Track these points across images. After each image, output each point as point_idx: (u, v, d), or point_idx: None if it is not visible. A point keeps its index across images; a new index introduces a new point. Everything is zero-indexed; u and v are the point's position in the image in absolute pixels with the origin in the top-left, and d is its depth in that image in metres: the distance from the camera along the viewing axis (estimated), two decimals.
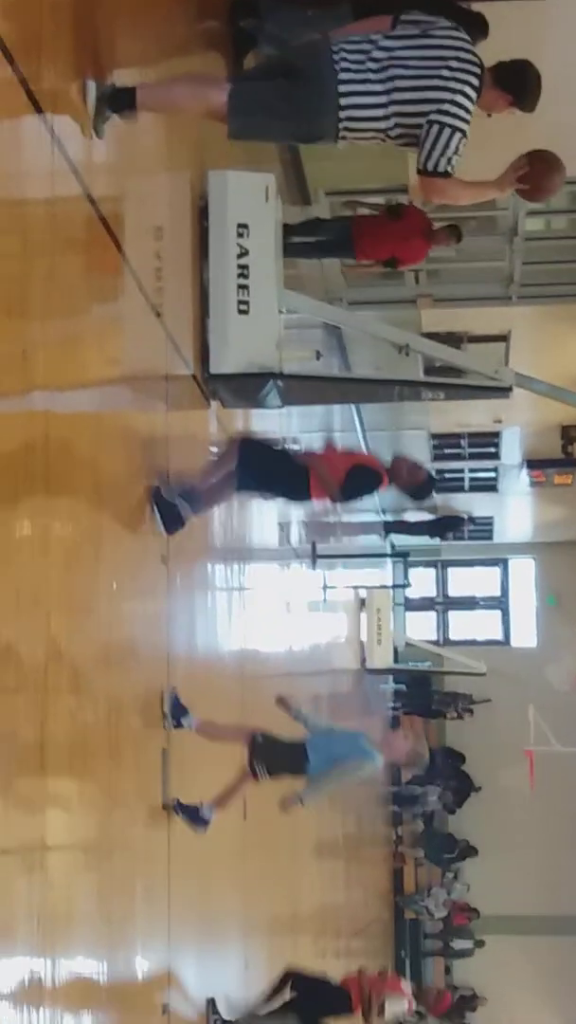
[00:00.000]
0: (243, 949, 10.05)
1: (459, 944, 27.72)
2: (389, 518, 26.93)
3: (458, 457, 22.69)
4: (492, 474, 23.74)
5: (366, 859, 22.36)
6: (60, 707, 5.33)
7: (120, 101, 5.98)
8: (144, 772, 6.91)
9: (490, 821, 27.53)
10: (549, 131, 11.34)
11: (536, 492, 23.59)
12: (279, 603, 13.40)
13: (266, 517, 12.23)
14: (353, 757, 7.89)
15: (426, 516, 26.37)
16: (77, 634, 5.64)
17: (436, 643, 29.67)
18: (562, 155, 11.74)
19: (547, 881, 27.18)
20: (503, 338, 15.88)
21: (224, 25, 8.61)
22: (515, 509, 26.50)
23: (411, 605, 30.34)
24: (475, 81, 6.12)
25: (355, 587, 22.95)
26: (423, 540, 27.08)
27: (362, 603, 23.86)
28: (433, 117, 6.06)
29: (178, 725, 7.38)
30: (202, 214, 8.71)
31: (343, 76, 6.01)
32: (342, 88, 6.01)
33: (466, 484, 24.29)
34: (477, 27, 7.74)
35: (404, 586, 28.28)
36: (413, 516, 26.59)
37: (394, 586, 26.77)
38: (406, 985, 10.08)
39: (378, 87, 6.03)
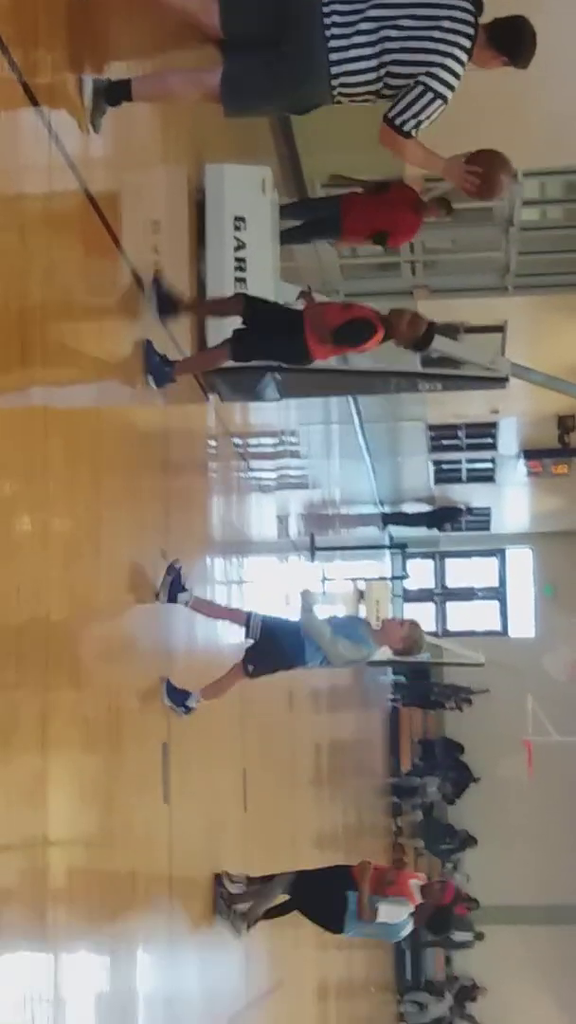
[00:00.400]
0: (244, 943, 10.05)
1: (459, 935, 27.74)
2: (387, 510, 26.96)
3: (455, 448, 22.73)
4: (489, 465, 23.77)
5: (366, 850, 22.34)
6: (61, 702, 5.33)
7: (116, 94, 6.00)
8: (145, 767, 6.91)
9: (489, 811, 27.56)
10: (545, 119, 11.39)
11: (533, 482, 23.61)
12: (278, 596, 13.39)
13: (265, 510, 12.23)
14: (350, 639, 7.92)
15: (424, 507, 26.42)
16: (78, 629, 5.64)
17: (435, 634, 29.69)
18: (559, 143, 11.83)
19: (546, 870, 27.23)
20: (499, 328, 15.88)
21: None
22: (512, 499, 26.53)
23: (409, 596, 30.36)
24: (467, 43, 5.98)
25: (354, 579, 22.96)
26: (421, 531, 27.11)
27: (361, 595, 23.86)
28: (422, 79, 5.95)
29: (188, 710, 7.42)
30: (199, 207, 8.71)
31: (333, 44, 5.88)
32: (333, 56, 5.90)
33: (463, 475, 24.32)
34: None
35: (402, 577, 28.31)
36: (411, 508, 26.64)
37: (392, 577, 26.80)
38: (415, 885, 9.88)
39: (368, 50, 5.92)
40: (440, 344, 10.09)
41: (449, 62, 5.96)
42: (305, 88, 6.10)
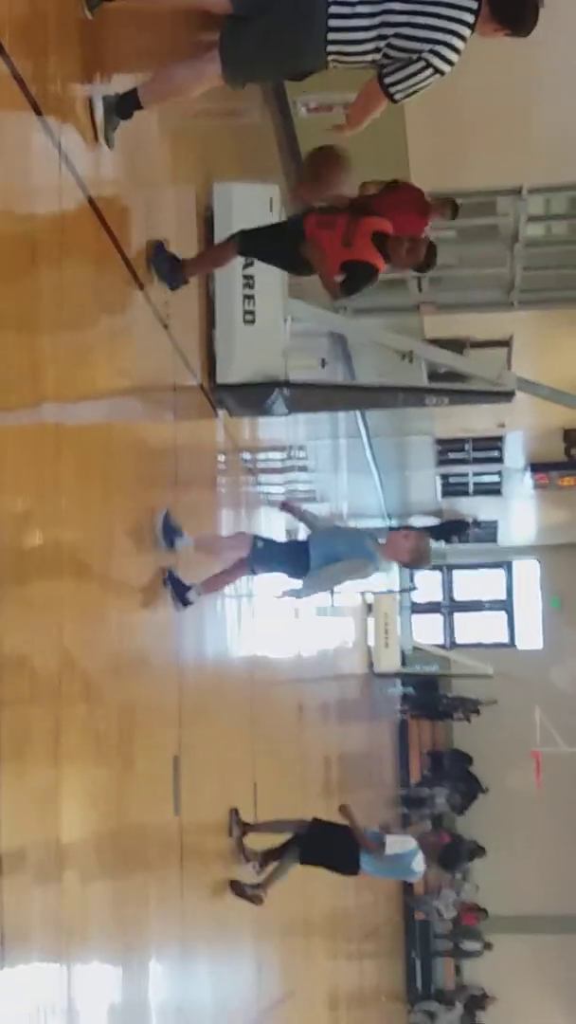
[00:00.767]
0: (256, 953, 10.12)
1: (469, 945, 27.75)
2: (395, 523, 26.99)
3: (462, 461, 22.77)
4: (496, 478, 23.80)
5: None
6: (73, 716, 5.39)
7: (126, 106, 6.12)
8: (156, 779, 6.97)
9: (498, 822, 27.55)
10: (549, 137, 11.47)
11: (540, 495, 23.64)
12: (287, 609, 13.46)
13: (274, 524, 12.29)
14: (354, 556, 7.89)
15: (431, 520, 26.44)
16: (89, 644, 5.70)
17: (443, 646, 29.73)
18: (563, 160, 11.91)
19: (555, 880, 27.22)
20: (505, 343, 15.95)
21: None
22: (519, 512, 26.55)
23: (417, 609, 30.36)
24: (470, 18, 5.93)
25: (362, 592, 23.00)
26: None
27: (369, 608, 23.91)
28: (426, 55, 5.95)
29: (171, 547, 7.29)
30: (208, 225, 8.79)
31: (333, 10, 5.93)
32: (332, 23, 5.92)
33: (470, 488, 24.35)
34: None
35: (410, 590, 28.30)
36: (419, 521, 26.65)
37: (400, 590, 26.80)
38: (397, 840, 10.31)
39: (366, 21, 5.92)
40: (447, 359, 10.17)
41: (453, 39, 5.96)
42: (298, 53, 6.10)
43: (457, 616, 31.29)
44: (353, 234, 7.63)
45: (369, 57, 6.05)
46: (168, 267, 7.26)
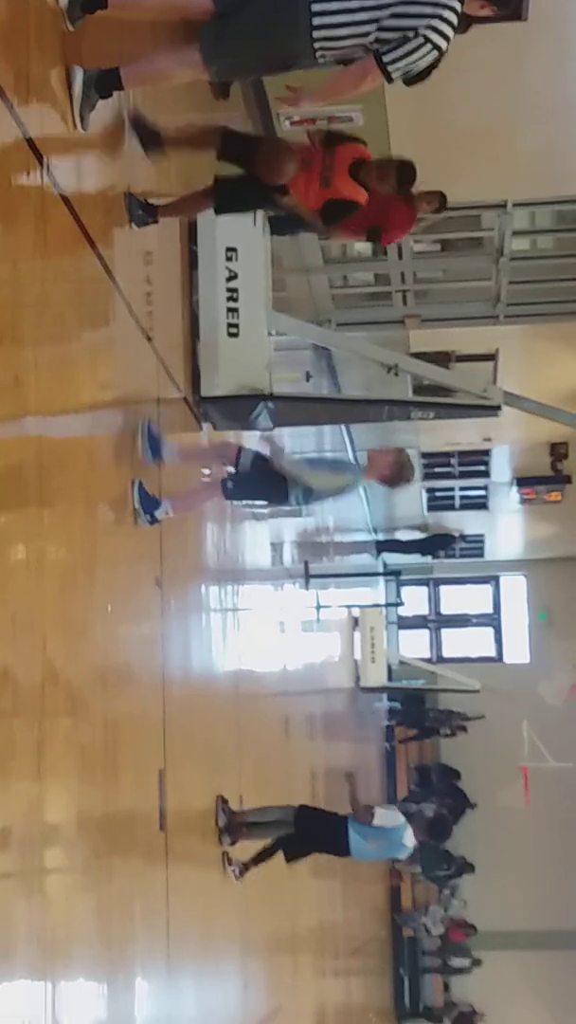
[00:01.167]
0: (242, 970, 10.08)
1: (457, 961, 27.69)
2: (381, 537, 26.99)
3: (448, 476, 22.79)
4: (482, 492, 23.83)
5: (363, 877, 22.33)
6: (57, 729, 5.37)
7: (106, 83, 6.02)
8: (141, 793, 6.94)
9: (486, 837, 27.49)
10: (534, 151, 11.49)
11: (526, 509, 23.68)
12: (273, 623, 13.44)
13: (259, 538, 12.28)
14: (330, 468, 7.99)
15: (417, 535, 26.45)
16: (73, 657, 5.68)
17: (430, 661, 29.70)
18: (547, 174, 11.93)
19: (544, 896, 27.19)
20: (491, 357, 15.97)
21: None
22: (506, 526, 26.58)
23: (404, 623, 30.34)
24: None
25: (348, 606, 22.98)
26: (415, 558, 27.14)
27: (355, 622, 23.89)
28: (423, 31, 5.93)
29: (153, 520, 7.12)
30: (191, 238, 8.78)
31: None
32: (315, 8, 5.88)
33: (457, 502, 24.37)
34: None
35: (397, 604, 28.30)
36: (405, 535, 26.65)
37: (387, 604, 26.79)
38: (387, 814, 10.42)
39: (354, 3, 5.91)
40: (432, 373, 10.16)
41: (447, 13, 5.95)
42: (283, 39, 6.02)
43: (444, 631, 31.28)
44: (331, 171, 7.59)
45: (359, 40, 5.99)
46: (139, 210, 7.12)
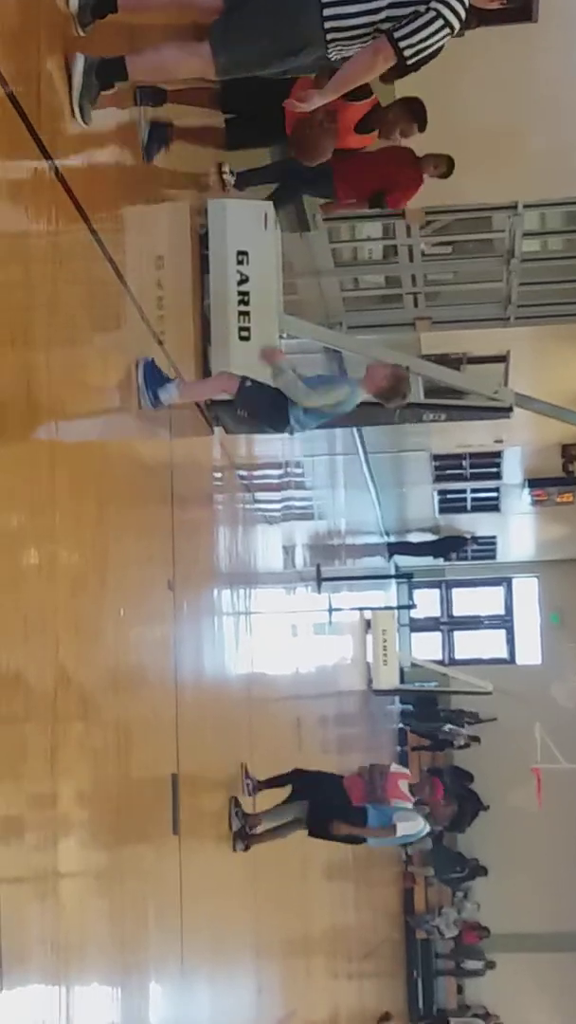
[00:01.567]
0: (256, 973, 10.07)
1: (470, 964, 27.67)
2: (393, 540, 26.99)
3: (460, 478, 22.79)
4: (494, 494, 23.83)
5: (376, 880, 22.34)
6: (69, 733, 5.37)
7: (109, 71, 5.87)
8: (154, 796, 6.94)
9: (499, 839, 27.49)
10: (544, 152, 11.49)
11: (538, 511, 23.67)
12: (285, 626, 13.43)
13: (271, 541, 12.28)
14: (325, 383, 8.02)
15: (429, 537, 26.45)
16: (85, 661, 5.67)
17: (442, 663, 29.70)
18: (558, 175, 11.93)
19: (557, 898, 27.16)
20: (502, 359, 15.96)
21: None
22: (517, 528, 26.57)
23: (416, 626, 30.36)
24: None
25: (360, 609, 22.98)
26: (427, 561, 27.15)
27: (368, 625, 23.89)
28: (434, 5, 5.79)
29: (156, 400, 7.03)
30: (202, 242, 8.78)
31: None
32: None
33: (468, 504, 24.37)
34: None
35: (409, 607, 28.31)
36: (417, 537, 26.65)
37: (399, 607, 26.80)
38: (404, 785, 10.52)
39: None
40: (443, 375, 10.15)
41: None
42: (293, 23, 5.91)
43: (456, 633, 31.28)
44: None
45: (370, 17, 5.85)
46: (156, 134, 7.11)
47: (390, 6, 5.85)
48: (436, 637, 31.06)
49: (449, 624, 31.27)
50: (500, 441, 20.49)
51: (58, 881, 5.12)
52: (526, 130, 11.23)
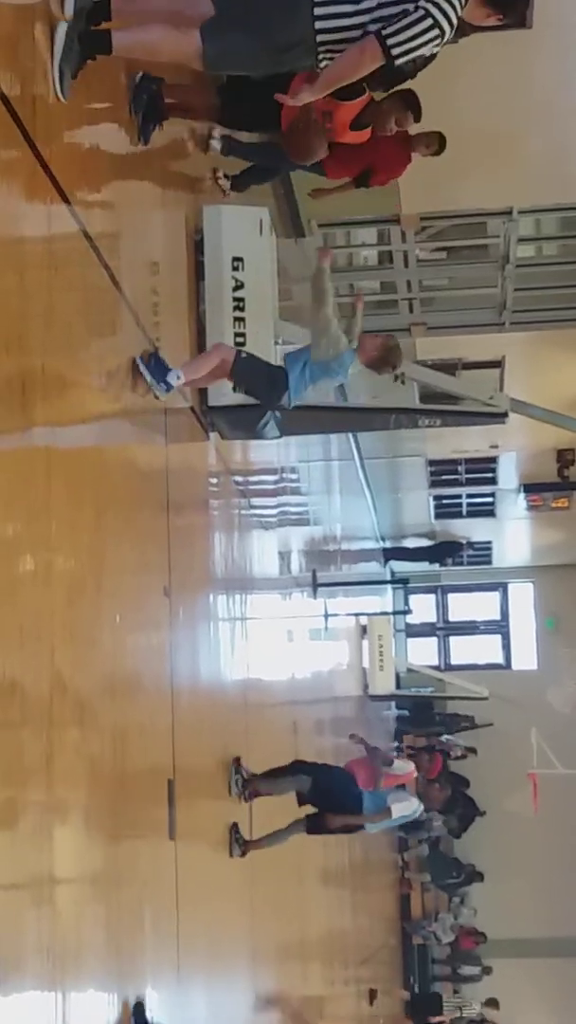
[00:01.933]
0: (252, 979, 10.07)
1: (467, 969, 27.66)
2: (388, 545, 27.00)
3: (455, 483, 22.80)
4: (490, 499, 23.83)
5: (372, 886, 22.34)
6: (65, 739, 5.37)
7: (94, 43, 5.74)
8: (150, 802, 6.94)
9: (495, 845, 27.50)
10: (538, 158, 11.50)
11: (534, 516, 23.68)
12: (281, 632, 13.43)
13: (267, 547, 12.28)
14: (331, 367, 8.16)
15: (425, 542, 26.45)
16: (81, 667, 5.67)
17: (438, 668, 29.71)
18: (553, 180, 11.95)
19: (554, 903, 27.15)
20: (497, 364, 15.96)
21: None
22: (513, 533, 26.58)
23: (412, 631, 30.38)
24: None
25: (356, 614, 22.99)
26: (422, 566, 27.16)
27: (363, 630, 23.89)
28: (423, 4, 5.68)
29: (168, 387, 7.16)
30: (198, 248, 8.79)
31: None
32: None
33: (464, 509, 24.38)
34: None
35: (405, 612, 28.33)
36: (412, 543, 26.65)
37: (395, 612, 26.81)
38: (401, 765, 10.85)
39: None
40: (439, 380, 10.16)
41: None
42: (285, 19, 5.81)
43: (452, 638, 31.28)
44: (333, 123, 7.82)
45: (362, 18, 5.77)
46: (149, 103, 7.10)
47: (380, 6, 5.77)
48: (432, 642, 31.07)
49: (445, 629, 31.27)
50: (495, 446, 20.49)
51: (54, 887, 5.11)
52: (521, 136, 11.24)
